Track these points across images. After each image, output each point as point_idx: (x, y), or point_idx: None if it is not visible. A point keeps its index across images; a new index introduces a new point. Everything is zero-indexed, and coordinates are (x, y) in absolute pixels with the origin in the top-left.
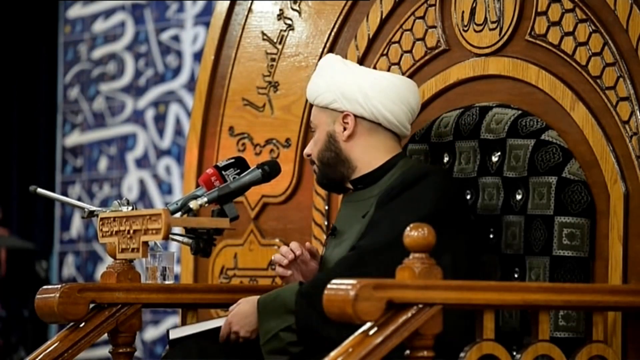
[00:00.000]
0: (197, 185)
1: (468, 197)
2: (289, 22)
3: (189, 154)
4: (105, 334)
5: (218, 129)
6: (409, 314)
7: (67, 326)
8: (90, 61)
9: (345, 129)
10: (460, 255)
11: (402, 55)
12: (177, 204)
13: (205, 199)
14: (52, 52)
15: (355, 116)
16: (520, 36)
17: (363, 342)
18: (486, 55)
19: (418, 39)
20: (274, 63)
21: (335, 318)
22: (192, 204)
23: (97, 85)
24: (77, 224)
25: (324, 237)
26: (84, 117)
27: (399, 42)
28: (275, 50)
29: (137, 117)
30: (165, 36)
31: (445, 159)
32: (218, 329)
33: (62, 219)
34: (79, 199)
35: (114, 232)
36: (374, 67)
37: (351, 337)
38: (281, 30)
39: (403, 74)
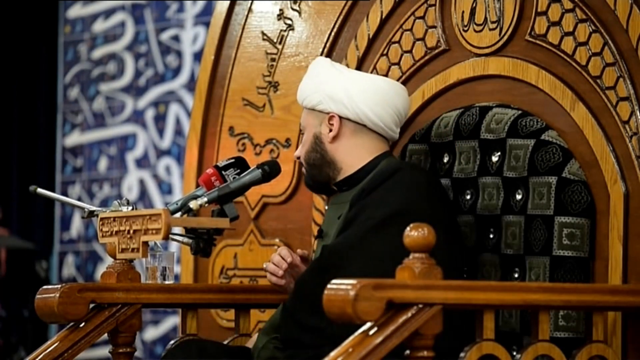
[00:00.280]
0: (197, 185)
1: (468, 197)
2: (289, 22)
3: (189, 154)
4: (105, 334)
5: (218, 129)
6: (409, 314)
7: (67, 326)
8: (90, 61)
9: (330, 130)
10: (443, 248)
11: (402, 55)
12: (177, 204)
13: (205, 199)
14: (52, 52)
15: (341, 117)
16: (520, 36)
17: (363, 342)
18: (486, 55)
19: (418, 39)
20: (274, 63)
21: (335, 318)
22: (192, 204)
23: (97, 85)
24: (77, 224)
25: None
26: (84, 117)
27: (399, 42)
28: (275, 50)
29: (137, 117)
30: (165, 36)
31: (445, 159)
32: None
33: (62, 219)
34: (79, 199)
35: (114, 232)
36: (374, 67)
37: (351, 337)
38: (281, 30)
39: (403, 74)
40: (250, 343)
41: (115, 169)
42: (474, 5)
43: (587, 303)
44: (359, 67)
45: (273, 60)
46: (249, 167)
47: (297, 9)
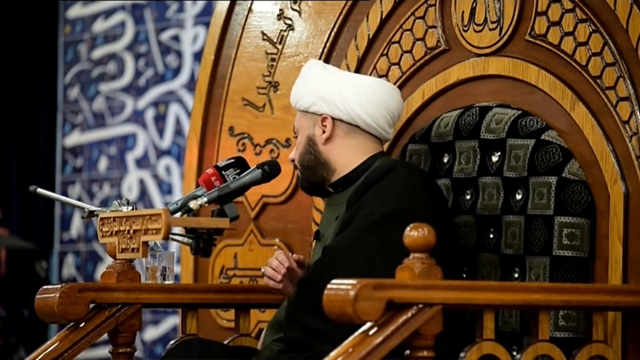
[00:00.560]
0: (197, 185)
1: (468, 197)
2: (289, 22)
3: (189, 154)
4: (105, 334)
5: (218, 129)
6: (409, 314)
7: (67, 326)
8: (90, 61)
9: (324, 131)
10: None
11: (402, 55)
12: (177, 204)
13: (205, 199)
14: (52, 52)
15: (334, 119)
16: (520, 36)
17: (363, 342)
18: (486, 55)
19: (418, 39)
20: (274, 63)
21: (336, 318)
22: (192, 204)
23: (97, 85)
24: (77, 224)
25: None
26: (84, 117)
27: (399, 42)
28: (275, 50)
29: (137, 117)
30: (165, 36)
31: (445, 159)
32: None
33: (62, 219)
34: (79, 199)
35: (114, 232)
36: (374, 67)
37: (351, 337)
38: (281, 30)
39: (403, 74)
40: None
41: (115, 169)
42: (474, 5)
43: (587, 303)
44: (359, 67)
45: (273, 60)
46: (249, 167)
47: (297, 9)
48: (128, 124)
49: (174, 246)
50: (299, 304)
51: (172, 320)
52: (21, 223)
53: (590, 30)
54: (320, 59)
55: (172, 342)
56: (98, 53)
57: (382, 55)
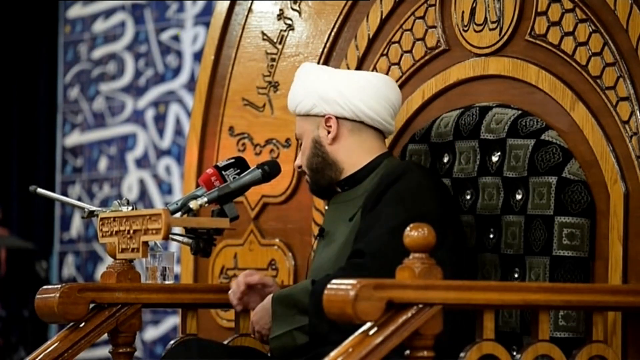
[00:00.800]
0: (197, 185)
1: (468, 197)
2: (289, 22)
3: (189, 154)
4: (105, 334)
5: (218, 129)
6: (409, 314)
7: (67, 326)
8: (90, 61)
9: (329, 132)
10: (454, 248)
11: (402, 55)
12: (177, 204)
13: (205, 199)
14: (52, 52)
15: (337, 118)
16: (520, 36)
17: (363, 342)
18: (486, 55)
19: (418, 39)
20: (274, 63)
21: (335, 318)
22: (192, 204)
23: (97, 85)
24: (77, 224)
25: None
26: (84, 117)
27: (399, 42)
28: (275, 50)
29: (137, 117)
30: (165, 36)
31: (445, 159)
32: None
33: (62, 219)
34: (79, 199)
35: (114, 232)
36: (374, 67)
37: (351, 337)
38: (281, 30)
39: (403, 74)
40: None
41: (115, 169)
42: (474, 5)
43: (587, 303)
44: (359, 67)
45: (273, 60)
46: (249, 167)
47: (297, 9)
48: (128, 124)
49: (174, 246)
50: None
51: (172, 320)
52: (21, 223)
53: (590, 30)
54: (320, 59)
55: (172, 342)
56: (98, 53)
57: (382, 55)
